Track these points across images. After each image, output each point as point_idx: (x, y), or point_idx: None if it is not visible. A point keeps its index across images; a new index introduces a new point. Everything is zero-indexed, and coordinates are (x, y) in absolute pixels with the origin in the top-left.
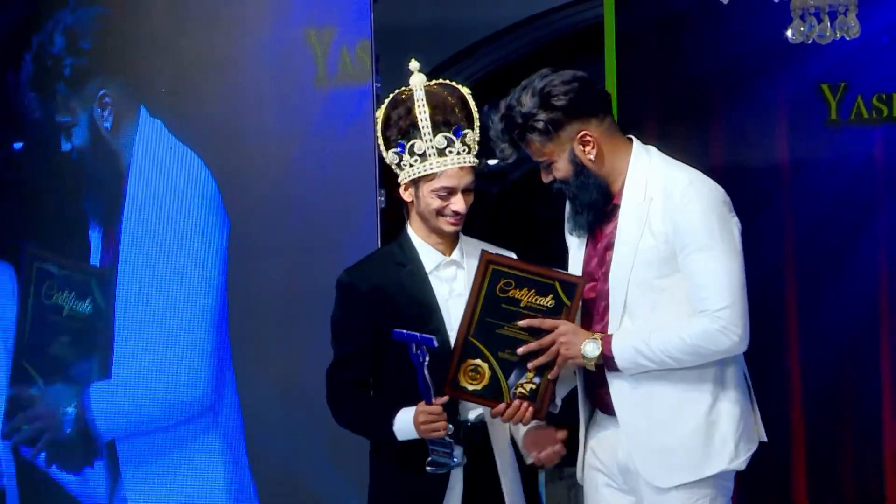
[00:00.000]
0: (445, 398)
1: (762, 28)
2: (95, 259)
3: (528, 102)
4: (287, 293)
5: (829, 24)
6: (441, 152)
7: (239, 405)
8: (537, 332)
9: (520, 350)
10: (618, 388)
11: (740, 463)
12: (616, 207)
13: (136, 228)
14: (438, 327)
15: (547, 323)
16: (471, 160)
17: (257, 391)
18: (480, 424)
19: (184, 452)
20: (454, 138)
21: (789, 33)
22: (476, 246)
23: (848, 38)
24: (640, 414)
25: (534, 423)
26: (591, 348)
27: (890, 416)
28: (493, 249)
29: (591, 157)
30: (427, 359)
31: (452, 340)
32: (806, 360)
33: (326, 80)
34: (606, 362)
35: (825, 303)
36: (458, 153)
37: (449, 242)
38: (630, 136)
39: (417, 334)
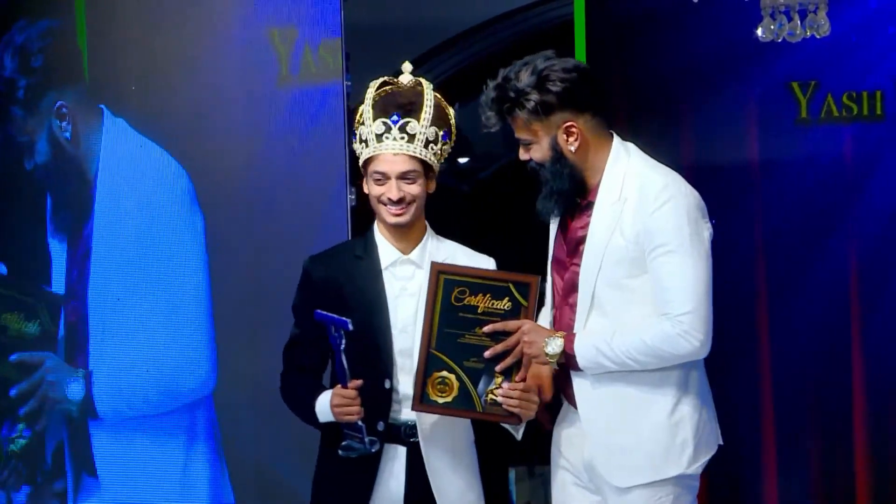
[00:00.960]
0: (360, 382)
1: (732, 26)
2: (59, 270)
3: (524, 79)
4: (256, 291)
5: (799, 22)
6: (378, 137)
7: (212, 401)
8: (500, 336)
9: (486, 353)
10: (580, 385)
11: (698, 468)
12: (591, 204)
13: (108, 226)
14: (382, 324)
15: (510, 324)
16: (407, 148)
17: (227, 387)
18: (411, 424)
19: (161, 451)
20: (391, 124)
21: (759, 31)
22: (451, 250)
23: (818, 37)
24: (602, 412)
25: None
26: (554, 346)
27: (860, 416)
28: (467, 255)
29: (573, 148)
30: (344, 342)
31: (395, 339)
32: (776, 360)
33: (290, 78)
34: (568, 361)
35: (795, 302)
36: (395, 139)
37: (409, 240)
38: (611, 131)
39: (335, 316)
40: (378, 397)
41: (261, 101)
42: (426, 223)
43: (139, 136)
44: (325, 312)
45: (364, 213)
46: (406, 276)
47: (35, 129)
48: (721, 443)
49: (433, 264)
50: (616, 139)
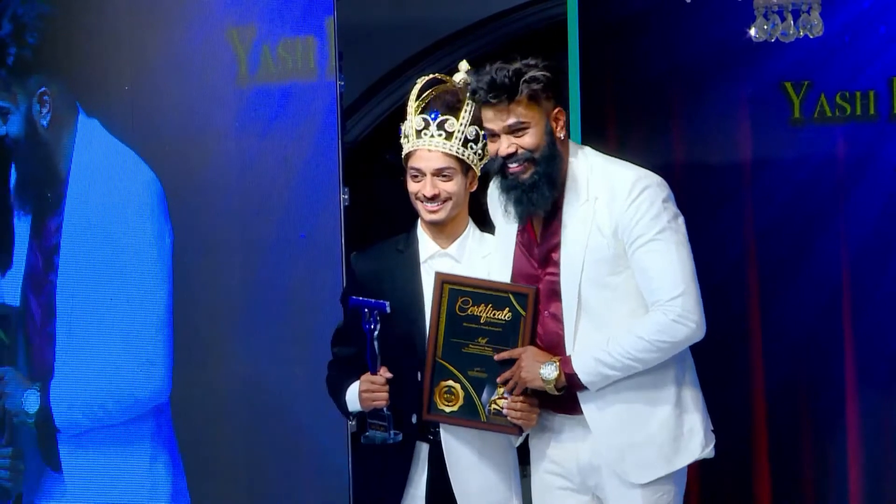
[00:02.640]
0: (388, 374)
1: (725, 26)
2: (21, 250)
3: (527, 64)
4: (242, 291)
5: (792, 22)
6: (418, 133)
7: (169, 408)
8: (501, 345)
9: (498, 357)
10: (584, 391)
11: (710, 451)
12: (556, 210)
13: (76, 230)
14: (418, 317)
15: (515, 352)
16: (444, 145)
17: (216, 389)
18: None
19: (124, 455)
20: (430, 121)
21: (752, 31)
22: (494, 245)
23: (811, 37)
24: (608, 413)
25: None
26: (549, 371)
27: (854, 414)
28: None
29: (561, 136)
30: (378, 327)
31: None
32: (769, 359)
33: (247, 78)
34: (571, 381)
35: (787, 302)
36: (432, 136)
37: (448, 235)
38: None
39: (371, 300)
40: (412, 389)
41: (219, 101)
42: (469, 219)
43: (112, 138)
44: (360, 297)
45: (358, 213)
46: (444, 270)
47: (17, 100)
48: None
49: (437, 274)
50: (571, 143)
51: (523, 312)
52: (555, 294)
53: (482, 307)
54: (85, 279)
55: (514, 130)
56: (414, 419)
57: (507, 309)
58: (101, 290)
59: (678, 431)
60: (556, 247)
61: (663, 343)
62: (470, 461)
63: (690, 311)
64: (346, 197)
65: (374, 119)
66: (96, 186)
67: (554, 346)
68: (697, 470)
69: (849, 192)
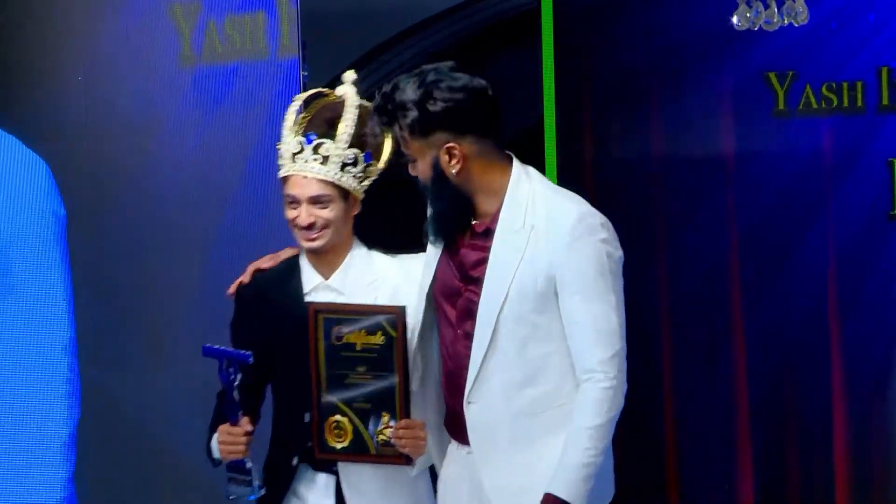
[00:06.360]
0: (249, 426)
1: (707, 14)
2: None
3: (408, 92)
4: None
5: (776, 9)
6: (293, 157)
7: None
8: (379, 371)
9: None
10: (474, 428)
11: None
12: (489, 231)
13: None
14: (303, 353)
15: None
16: (319, 171)
17: (169, 392)
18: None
19: None
20: (306, 144)
21: (735, 19)
22: (382, 266)
23: (796, 25)
24: (499, 455)
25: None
26: None
27: (841, 417)
28: (400, 266)
29: (455, 170)
30: (238, 377)
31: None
32: (752, 359)
33: (192, 58)
34: None
35: (771, 299)
36: (307, 161)
37: (330, 264)
38: (510, 153)
39: (231, 349)
40: (296, 430)
41: (161, 81)
42: (353, 242)
43: None
44: (215, 347)
45: None
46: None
47: None
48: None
49: (309, 305)
50: (516, 162)
51: (394, 334)
52: (471, 315)
53: (356, 334)
54: None
55: (409, 158)
56: (295, 461)
57: (380, 332)
58: None
59: None
60: (481, 264)
61: (612, 414)
62: (374, 489)
63: (622, 370)
64: None
65: None
66: None
67: (459, 370)
68: (680, 478)
69: (836, 187)
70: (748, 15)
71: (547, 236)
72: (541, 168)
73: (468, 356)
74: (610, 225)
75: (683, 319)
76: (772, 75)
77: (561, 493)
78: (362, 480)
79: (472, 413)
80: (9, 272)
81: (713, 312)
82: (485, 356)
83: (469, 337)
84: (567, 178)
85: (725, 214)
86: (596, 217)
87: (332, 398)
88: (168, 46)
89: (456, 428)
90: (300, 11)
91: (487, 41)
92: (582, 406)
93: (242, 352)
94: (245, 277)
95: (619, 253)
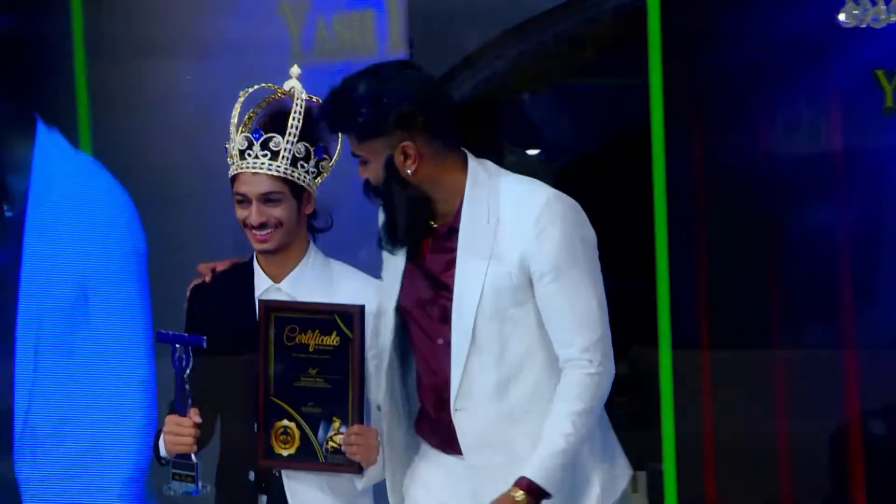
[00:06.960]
0: (198, 418)
1: (814, 12)
2: None
3: (360, 91)
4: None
5: (883, 6)
6: (241, 154)
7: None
8: (334, 376)
9: None
10: (464, 432)
11: None
12: (454, 231)
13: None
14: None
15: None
16: (269, 167)
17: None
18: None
19: None
20: (254, 140)
21: (842, 17)
22: (336, 274)
23: None
24: (491, 458)
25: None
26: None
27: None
28: (356, 280)
29: (411, 170)
30: (190, 364)
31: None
32: (864, 362)
33: (301, 56)
34: (534, 495)
35: (882, 298)
36: (256, 156)
37: (282, 266)
38: (464, 149)
39: (185, 335)
40: (247, 441)
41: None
42: (308, 244)
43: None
44: (169, 332)
45: None
46: None
47: None
48: (632, 472)
49: (261, 302)
50: (471, 158)
51: (350, 335)
52: (448, 320)
53: (310, 334)
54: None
55: (364, 161)
56: (252, 476)
57: (335, 332)
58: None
59: (571, 483)
60: (451, 267)
61: (597, 401)
62: (317, 499)
63: (608, 356)
64: None
65: None
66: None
67: (444, 383)
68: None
69: None
70: (855, 12)
71: (514, 228)
72: (649, 168)
73: (450, 365)
74: (579, 207)
75: (794, 319)
76: (880, 73)
77: (537, 479)
78: (309, 487)
79: (461, 419)
80: (85, 308)
81: (821, 313)
82: (467, 359)
83: (449, 345)
84: (675, 179)
85: (834, 211)
86: (563, 201)
87: (279, 402)
88: (278, 44)
89: (444, 439)
90: (408, 8)
91: (593, 40)
92: (565, 391)
93: (196, 336)
94: (207, 277)
95: (591, 235)
